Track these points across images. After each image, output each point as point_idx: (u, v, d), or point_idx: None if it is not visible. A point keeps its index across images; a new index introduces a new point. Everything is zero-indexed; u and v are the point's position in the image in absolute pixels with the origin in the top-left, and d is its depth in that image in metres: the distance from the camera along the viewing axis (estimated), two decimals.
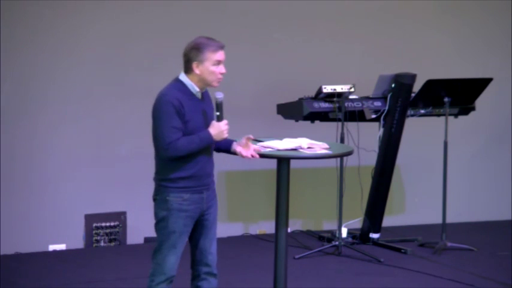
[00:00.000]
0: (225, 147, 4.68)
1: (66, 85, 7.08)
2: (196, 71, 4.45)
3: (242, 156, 4.65)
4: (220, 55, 4.45)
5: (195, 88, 4.48)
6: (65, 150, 7.10)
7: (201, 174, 4.49)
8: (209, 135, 4.44)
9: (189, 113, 4.42)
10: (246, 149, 4.65)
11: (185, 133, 4.42)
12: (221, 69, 4.46)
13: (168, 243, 4.47)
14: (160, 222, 4.49)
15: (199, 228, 4.57)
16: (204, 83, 4.48)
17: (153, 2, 7.26)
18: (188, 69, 4.48)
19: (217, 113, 4.47)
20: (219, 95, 4.49)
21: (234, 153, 4.67)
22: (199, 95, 4.50)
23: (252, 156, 4.66)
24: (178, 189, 4.46)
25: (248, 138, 4.66)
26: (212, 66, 4.44)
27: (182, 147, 4.39)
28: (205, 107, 4.51)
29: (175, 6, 7.33)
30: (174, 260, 4.49)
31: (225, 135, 4.47)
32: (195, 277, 4.62)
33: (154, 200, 4.54)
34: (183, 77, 4.50)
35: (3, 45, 6.81)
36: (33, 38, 6.94)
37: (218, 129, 4.45)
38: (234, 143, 4.67)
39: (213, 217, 4.60)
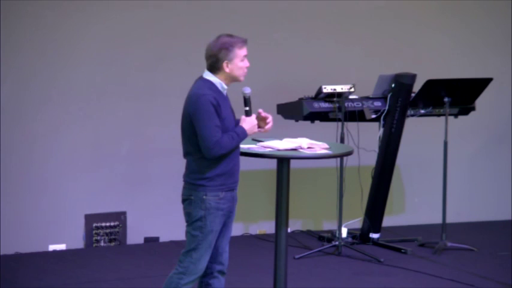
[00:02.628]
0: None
1: (66, 85, 7.08)
2: (227, 69, 4.52)
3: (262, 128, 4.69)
4: (245, 50, 4.56)
5: (223, 86, 4.55)
6: (65, 150, 7.09)
7: (234, 170, 4.60)
8: (244, 130, 4.54)
9: (224, 110, 4.50)
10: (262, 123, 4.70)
11: (222, 130, 4.48)
12: (246, 63, 4.56)
13: (205, 242, 4.52)
14: (197, 222, 4.52)
15: (222, 227, 4.61)
16: (231, 80, 4.56)
17: (154, 2, 7.26)
18: (217, 69, 4.53)
19: (247, 108, 4.57)
20: (247, 90, 4.59)
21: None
22: (225, 92, 4.57)
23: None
24: (216, 187, 4.52)
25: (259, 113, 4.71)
26: (240, 62, 4.53)
27: (226, 145, 4.47)
28: (230, 104, 4.61)
29: (176, 6, 7.33)
30: (207, 259, 4.56)
31: (257, 129, 4.59)
32: (207, 274, 4.65)
33: (186, 200, 4.56)
34: (210, 76, 4.54)
35: (3, 45, 6.81)
36: (33, 38, 6.94)
37: (251, 123, 4.56)
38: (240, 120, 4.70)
39: (231, 220, 4.68)
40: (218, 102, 4.46)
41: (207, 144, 4.43)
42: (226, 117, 4.50)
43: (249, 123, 4.56)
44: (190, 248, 4.53)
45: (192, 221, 4.53)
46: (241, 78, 4.57)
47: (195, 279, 4.56)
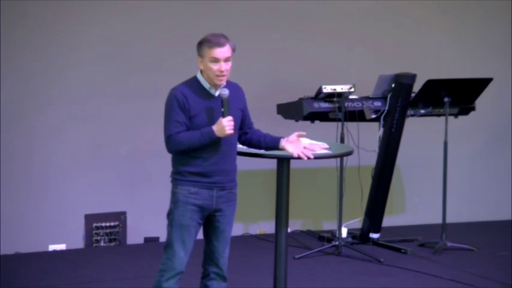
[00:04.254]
0: (272, 144, 4.66)
1: (67, 85, 7.08)
2: (200, 66, 4.48)
3: (293, 154, 4.60)
4: (216, 53, 4.41)
5: (206, 84, 4.49)
6: (65, 150, 7.09)
7: (211, 171, 4.48)
8: (211, 130, 4.41)
9: (196, 108, 4.43)
10: (295, 145, 4.61)
11: (190, 128, 4.44)
12: (220, 66, 4.43)
13: (176, 236, 4.49)
14: (169, 216, 4.54)
15: (212, 228, 4.57)
16: (209, 80, 4.47)
17: (154, 2, 7.26)
18: (199, 65, 4.51)
19: (222, 109, 4.46)
20: (225, 91, 4.46)
21: (284, 150, 4.63)
22: (213, 91, 4.49)
23: (305, 155, 4.59)
24: (186, 182, 4.49)
25: (299, 135, 4.63)
26: (210, 63, 4.43)
27: (182, 141, 4.41)
28: (219, 105, 4.47)
29: (176, 6, 7.33)
30: (182, 254, 4.49)
31: (228, 131, 4.40)
32: (205, 276, 4.62)
33: None
34: (198, 73, 4.52)
35: (3, 45, 6.81)
36: (34, 38, 6.94)
37: (220, 124, 4.41)
38: (282, 140, 4.64)
39: (227, 220, 4.58)
40: (186, 99, 4.42)
41: (164, 138, 4.45)
42: (197, 115, 4.43)
43: (218, 124, 4.41)
44: (165, 244, 4.53)
45: (167, 216, 4.55)
46: (216, 81, 4.45)
47: (175, 275, 4.48)
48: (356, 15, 7.93)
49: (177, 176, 4.52)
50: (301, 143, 4.64)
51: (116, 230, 7.25)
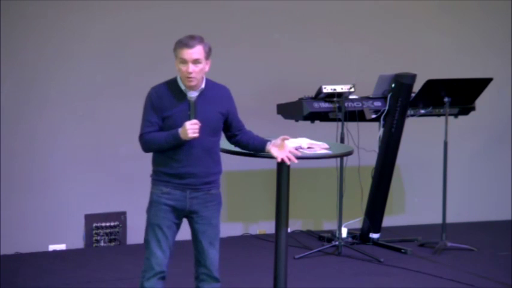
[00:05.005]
0: (260, 146, 4.66)
1: (67, 85, 7.08)
2: (176, 67, 4.47)
3: (277, 158, 4.59)
4: (184, 54, 4.40)
5: (183, 85, 4.47)
6: (65, 150, 7.09)
7: (183, 173, 4.46)
8: (176, 133, 4.40)
9: (170, 109, 4.44)
10: (280, 150, 4.60)
11: (163, 129, 4.45)
12: (187, 68, 4.40)
13: (151, 236, 4.53)
14: (146, 216, 4.57)
15: (192, 230, 4.57)
16: (183, 81, 4.46)
17: (154, 2, 7.26)
18: None
19: (188, 112, 4.42)
20: (192, 94, 4.42)
21: (269, 153, 4.62)
22: (189, 92, 4.44)
23: (288, 159, 4.59)
24: (160, 182, 4.50)
25: (283, 139, 4.61)
26: (179, 63, 4.43)
27: (150, 141, 4.45)
28: (196, 107, 4.42)
29: (177, 6, 7.33)
30: (160, 254, 4.51)
31: (191, 134, 4.35)
32: (196, 277, 4.63)
33: None
34: (178, 74, 4.51)
35: (3, 45, 6.81)
36: (34, 38, 6.94)
37: (184, 127, 4.38)
38: (269, 143, 4.64)
39: (206, 222, 4.53)
40: (161, 99, 4.43)
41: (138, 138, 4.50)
42: (170, 116, 4.42)
43: (183, 126, 4.37)
44: (145, 245, 4.55)
45: None
46: (186, 83, 4.43)
47: (154, 275, 4.50)
48: (356, 15, 7.93)
49: (153, 176, 4.56)
50: (287, 147, 4.62)
51: (116, 230, 7.25)
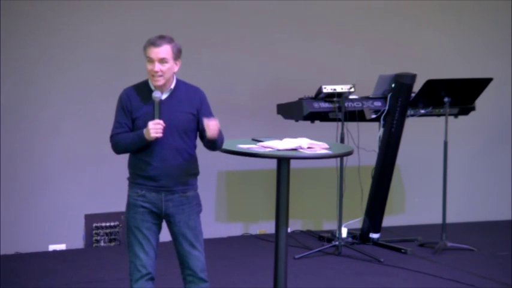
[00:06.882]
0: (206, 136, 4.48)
1: (67, 85, 7.08)
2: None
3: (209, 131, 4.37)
4: (150, 52, 4.41)
5: (152, 86, 4.46)
6: (65, 150, 7.10)
7: (155, 175, 4.44)
8: (141, 133, 4.38)
9: (138, 110, 4.42)
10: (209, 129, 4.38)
11: (134, 130, 4.44)
12: (153, 67, 4.40)
13: (131, 239, 4.47)
14: (125, 219, 4.54)
15: (171, 233, 4.54)
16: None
17: (154, 2, 7.26)
18: None
19: (153, 112, 4.40)
20: (155, 94, 4.40)
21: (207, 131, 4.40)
22: (154, 92, 4.41)
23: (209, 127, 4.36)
24: (135, 184, 4.48)
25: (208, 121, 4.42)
26: (146, 62, 4.44)
27: (118, 142, 4.45)
28: (165, 107, 4.39)
29: (176, 6, 7.33)
30: (143, 256, 4.46)
31: (154, 134, 4.33)
32: (183, 279, 4.59)
33: None
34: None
35: (3, 45, 6.81)
36: (34, 38, 6.94)
37: (147, 127, 4.36)
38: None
39: (183, 224, 4.49)
40: (130, 100, 4.43)
41: None
42: (140, 117, 4.40)
43: (147, 127, 4.36)
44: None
45: None
46: (152, 82, 4.42)
47: (141, 277, 4.45)
48: (356, 15, 7.93)
49: (129, 178, 4.54)
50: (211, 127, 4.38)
51: (116, 230, 7.25)
